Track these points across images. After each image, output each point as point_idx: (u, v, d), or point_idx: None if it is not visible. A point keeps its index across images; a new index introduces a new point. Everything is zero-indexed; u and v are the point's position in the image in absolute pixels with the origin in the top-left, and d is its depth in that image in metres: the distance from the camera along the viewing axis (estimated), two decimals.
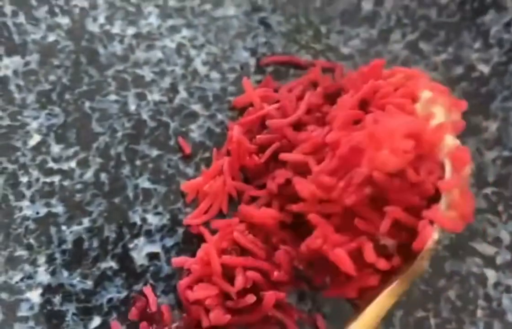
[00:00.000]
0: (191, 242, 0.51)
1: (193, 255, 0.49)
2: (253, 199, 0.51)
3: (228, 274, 0.46)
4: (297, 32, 0.63)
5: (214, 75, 0.59)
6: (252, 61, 0.61)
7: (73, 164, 0.52)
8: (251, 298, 0.44)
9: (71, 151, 0.53)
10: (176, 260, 0.49)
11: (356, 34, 0.65)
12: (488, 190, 0.58)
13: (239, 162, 0.52)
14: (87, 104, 0.55)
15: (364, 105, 0.47)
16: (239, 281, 0.44)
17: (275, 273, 0.46)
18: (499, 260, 0.55)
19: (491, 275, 0.54)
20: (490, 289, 0.54)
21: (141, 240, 0.50)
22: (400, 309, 0.51)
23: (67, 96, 0.55)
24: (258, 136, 0.51)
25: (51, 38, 0.57)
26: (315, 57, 0.62)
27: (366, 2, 0.66)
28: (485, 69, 0.63)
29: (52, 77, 0.55)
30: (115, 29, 0.59)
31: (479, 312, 0.53)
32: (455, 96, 0.60)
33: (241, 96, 0.57)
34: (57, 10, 0.58)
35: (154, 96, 0.57)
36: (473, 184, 0.58)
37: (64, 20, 0.58)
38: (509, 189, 0.58)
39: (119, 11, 0.60)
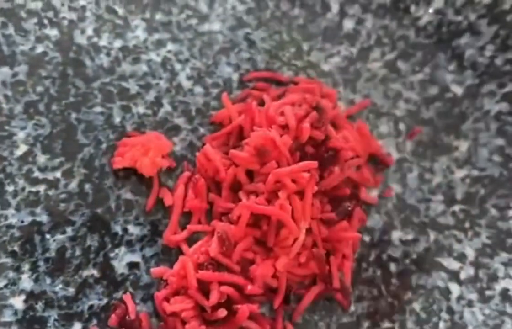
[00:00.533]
0: (170, 253, 0.53)
1: (172, 265, 0.51)
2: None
3: (204, 288, 0.48)
4: (279, 48, 0.66)
5: (198, 89, 0.61)
6: (235, 77, 0.63)
7: (58, 174, 0.54)
8: (222, 313, 0.47)
9: (56, 161, 0.55)
10: (155, 271, 0.52)
11: (337, 52, 0.67)
12: (456, 208, 0.61)
13: (206, 176, 0.54)
14: (73, 115, 0.57)
15: None
16: (214, 296, 0.47)
17: (249, 287, 0.49)
18: (463, 275, 0.58)
19: (455, 289, 0.57)
20: (453, 302, 0.57)
21: (122, 249, 0.53)
22: (367, 319, 0.54)
23: (54, 107, 0.57)
24: (231, 151, 0.53)
25: (40, 49, 0.59)
26: (296, 74, 0.65)
27: (347, 20, 0.68)
28: (458, 90, 0.66)
29: (39, 88, 0.57)
30: (103, 42, 0.61)
31: (442, 325, 0.56)
32: (429, 115, 0.64)
33: (220, 111, 0.59)
34: (46, 22, 0.60)
35: (139, 108, 0.59)
36: (442, 201, 0.61)
37: (53, 32, 0.60)
38: (476, 207, 0.61)
39: (107, 24, 0.62)
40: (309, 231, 0.52)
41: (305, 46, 0.66)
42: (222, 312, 0.47)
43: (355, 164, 0.59)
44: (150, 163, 0.51)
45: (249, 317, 0.49)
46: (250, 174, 0.53)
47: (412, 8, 0.68)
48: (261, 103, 0.58)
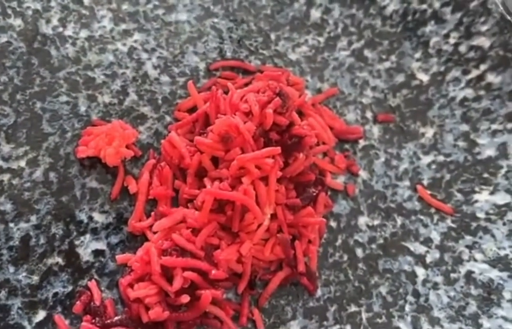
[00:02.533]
0: (135, 240, 0.53)
1: (136, 252, 0.51)
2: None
3: (168, 273, 0.48)
4: (247, 38, 0.66)
5: (164, 78, 0.61)
6: (202, 66, 0.63)
7: (22, 163, 0.54)
8: (185, 298, 0.47)
9: (21, 150, 0.54)
10: (120, 257, 0.51)
11: (304, 41, 0.68)
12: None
13: (171, 163, 0.54)
14: (38, 104, 0.57)
15: None
16: (177, 281, 0.47)
17: (213, 272, 0.49)
18: (428, 259, 0.59)
19: (421, 272, 0.58)
20: (419, 285, 0.57)
21: (87, 237, 0.53)
22: (334, 303, 0.55)
23: (18, 97, 0.56)
24: (196, 138, 0.53)
25: (3, 39, 0.58)
26: (263, 63, 0.65)
27: (314, 10, 0.69)
28: (424, 77, 0.67)
29: (3, 78, 0.57)
30: (68, 32, 0.61)
31: (408, 307, 0.56)
32: (396, 103, 0.65)
33: (186, 100, 0.59)
34: (9, 11, 0.59)
35: (105, 98, 0.59)
36: (409, 186, 0.62)
37: (17, 22, 0.59)
38: (442, 192, 0.62)
39: (73, 14, 0.61)
40: (274, 216, 0.52)
41: (272, 36, 0.67)
42: (185, 298, 0.47)
43: (320, 150, 0.60)
44: (114, 152, 0.51)
45: (213, 302, 0.49)
46: (215, 161, 0.53)
47: None
48: (227, 91, 0.58)
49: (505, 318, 0.54)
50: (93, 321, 0.49)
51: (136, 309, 0.48)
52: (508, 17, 0.63)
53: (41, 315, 0.49)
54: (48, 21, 0.60)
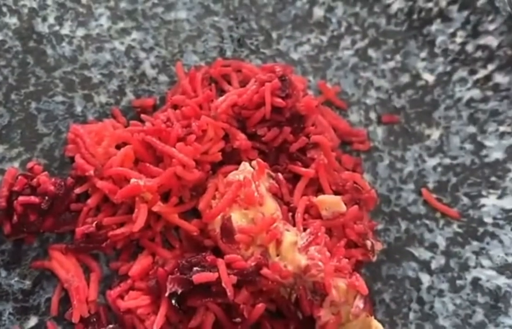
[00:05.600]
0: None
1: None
2: None
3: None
4: (248, 37, 0.64)
5: (163, 78, 0.60)
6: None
7: (16, 164, 0.53)
8: None
9: (14, 151, 0.53)
10: (114, 264, 0.50)
11: (307, 40, 0.66)
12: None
13: None
14: (33, 104, 0.56)
15: None
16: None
17: None
18: (434, 265, 0.57)
19: (426, 279, 0.56)
20: (423, 292, 0.56)
21: None
22: None
23: (13, 97, 0.55)
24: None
25: None
26: (264, 62, 0.63)
27: (317, 8, 0.67)
28: (430, 78, 0.65)
29: None
30: (65, 30, 0.59)
31: (412, 315, 0.55)
32: (401, 104, 0.63)
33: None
34: (5, 9, 0.58)
35: (101, 98, 0.57)
36: (413, 190, 0.60)
37: (12, 20, 0.58)
38: (448, 196, 0.60)
39: (70, 12, 0.60)
40: None
41: (274, 35, 0.65)
42: None
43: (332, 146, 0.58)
44: (103, 152, 0.50)
45: None
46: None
47: None
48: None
49: None
50: None
51: (129, 320, 0.47)
52: None
53: (33, 321, 0.48)
54: (44, 19, 0.59)
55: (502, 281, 0.55)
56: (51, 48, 0.58)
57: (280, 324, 0.50)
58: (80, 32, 0.60)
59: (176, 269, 0.46)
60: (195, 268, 0.46)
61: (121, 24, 0.61)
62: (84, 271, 0.50)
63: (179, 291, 0.45)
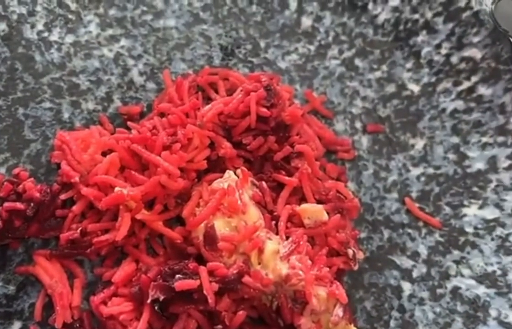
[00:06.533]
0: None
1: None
2: None
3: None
4: (236, 45, 0.65)
5: (150, 85, 0.61)
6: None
7: (2, 170, 0.53)
8: None
9: (1, 157, 0.54)
10: (98, 270, 0.51)
11: (294, 49, 0.67)
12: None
13: None
14: (21, 110, 0.56)
15: None
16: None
17: None
18: (415, 273, 0.58)
19: (407, 287, 0.57)
20: (404, 300, 0.56)
21: None
22: None
23: (0, 102, 0.56)
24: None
25: None
26: (252, 71, 0.64)
27: (305, 18, 0.68)
28: (415, 88, 0.66)
29: None
30: (53, 37, 0.60)
31: (392, 323, 0.55)
32: (386, 113, 0.64)
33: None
34: None
35: (89, 104, 0.58)
36: (397, 199, 0.61)
37: (1, 26, 0.59)
38: (431, 205, 0.61)
39: (59, 19, 0.61)
40: None
41: (262, 43, 0.66)
42: None
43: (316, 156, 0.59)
44: (89, 159, 0.51)
45: None
46: None
47: (370, 5, 0.68)
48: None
49: None
50: None
51: (111, 325, 0.47)
52: (501, 29, 0.62)
53: (16, 326, 0.49)
54: (33, 25, 0.60)
55: (481, 290, 0.56)
56: (40, 54, 0.59)
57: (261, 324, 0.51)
58: (69, 38, 0.60)
59: (159, 276, 0.47)
60: (177, 275, 0.47)
61: (110, 31, 0.62)
62: (68, 277, 0.50)
63: (161, 297, 0.46)
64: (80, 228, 0.50)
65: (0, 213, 0.48)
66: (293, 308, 0.49)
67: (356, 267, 0.55)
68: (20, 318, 0.49)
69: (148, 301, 0.47)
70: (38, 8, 0.60)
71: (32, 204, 0.49)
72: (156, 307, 0.47)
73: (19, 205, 0.48)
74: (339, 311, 0.49)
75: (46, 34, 0.60)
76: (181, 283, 0.46)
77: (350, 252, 0.54)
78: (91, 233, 0.50)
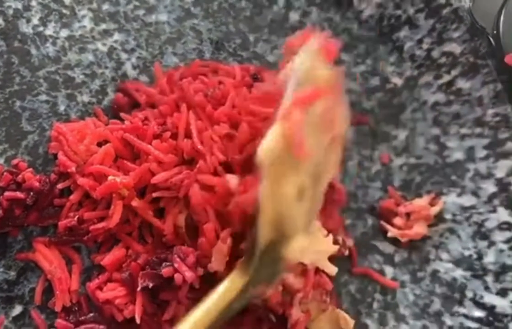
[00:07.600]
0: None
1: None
2: None
3: None
4: (226, 39, 0.67)
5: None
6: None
7: (1, 161, 0.55)
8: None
9: None
10: (94, 256, 0.53)
11: (283, 43, 0.69)
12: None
13: None
14: (18, 103, 0.58)
15: None
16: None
17: None
18: (397, 258, 0.61)
19: (389, 271, 0.60)
20: None
21: None
22: None
23: None
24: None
25: None
26: (241, 64, 0.66)
27: (293, 13, 0.70)
28: (398, 81, 0.68)
29: None
30: (49, 31, 0.61)
31: (375, 305, 0.59)
32: (370, 106, 0.66)
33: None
34: None
35: (84, 97, 0.60)
36: (380, 188, 0.64)
37: None
38: (412, 193, 0.64)
39: (53, 13, 0.62)
40: None
41: (251, 38, 0.68)
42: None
43: None
44: (85, 149, 0.53)
45: None
46: None
47: (355, 1, 0.70)
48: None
49: (466, 316, 0.57)
50: (67, 318, 0.50)
51: (108, 309, 0.50)
52: (478, 26, 0.64)
53: (17, 309, 0.51)
54: (28, 20, 0.61)
55: (458, 273, 0.59)
56: (35, 48, 0.60)
57: (251, 318, 0.53)
58: (64, 33, 0.62)
59: (147, 265, 0.49)
60: (164, 263, 0.49)
61: (103, 26, 0.64)
62: (66, 263, 0.52)
63: (150, 285, 0.48)
64: (77, 216, 0.52)
65: (1, 202, 0.50)
66: (283, 300, 0.51)
67: (346, 253, 0.58)
68: (21, 302, 0.51)
69: (138, 289, 0.49)
70: (33, 3, 0.62)
71: (31, 193, 0.50)
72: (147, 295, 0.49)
73: (19, 194, 0.50)
74: (326, 298, 0.52)
75: (41, 28, 0.61)
76: (168, 270, 0.48)
77: (339, 239, 0.57)
78: (87, 221, 0.52)
